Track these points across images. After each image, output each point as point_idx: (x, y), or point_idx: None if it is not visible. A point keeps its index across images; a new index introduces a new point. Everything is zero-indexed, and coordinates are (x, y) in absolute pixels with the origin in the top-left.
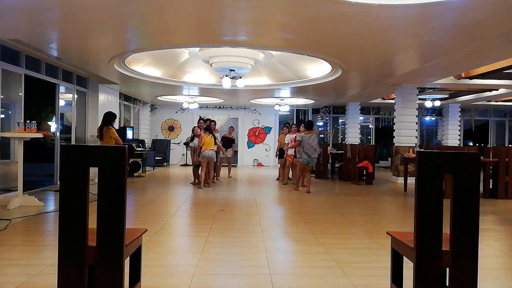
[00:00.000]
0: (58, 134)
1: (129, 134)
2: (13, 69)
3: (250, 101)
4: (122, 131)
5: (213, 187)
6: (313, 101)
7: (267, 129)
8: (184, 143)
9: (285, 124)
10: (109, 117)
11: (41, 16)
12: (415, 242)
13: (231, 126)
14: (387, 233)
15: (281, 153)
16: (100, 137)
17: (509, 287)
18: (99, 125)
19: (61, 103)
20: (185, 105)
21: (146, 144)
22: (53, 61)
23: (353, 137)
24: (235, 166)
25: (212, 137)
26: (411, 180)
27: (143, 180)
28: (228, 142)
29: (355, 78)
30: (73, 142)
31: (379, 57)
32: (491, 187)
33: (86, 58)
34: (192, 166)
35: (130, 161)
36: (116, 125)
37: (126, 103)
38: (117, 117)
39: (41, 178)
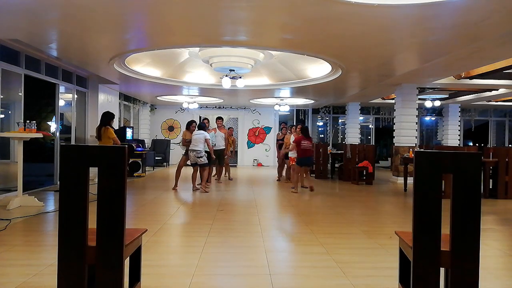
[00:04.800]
0: (58, 134)
1: (129, 134)
2: (13, 69)
3: (250, 101)
4: (122, 131)
5: (214, 186)
6: (313, 101)
7: (267, 129)
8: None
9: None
10: (107, 117)
11: (41, 16)
12: (413, 242)
13: (231, 127)
14: (395, 232)
15: (286, 153)
16: (98, 138)
17: (509, 287)
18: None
19: (61, 103)
20: (185, 105)
21: (146, 144)
22: (53, 61)
23: (353, 137)
24: (235, 166)
25: None
26: (411, 180)
27: (143, 180)
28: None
29: (355, 78)
30: (73, 142)
31: (379, 57)
32: (491, 187)
33: (86, 58)
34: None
35: (130, 161)
36: (115, 125)
37: (126, 103)
38: (117, 117)
39: (41, 178)
